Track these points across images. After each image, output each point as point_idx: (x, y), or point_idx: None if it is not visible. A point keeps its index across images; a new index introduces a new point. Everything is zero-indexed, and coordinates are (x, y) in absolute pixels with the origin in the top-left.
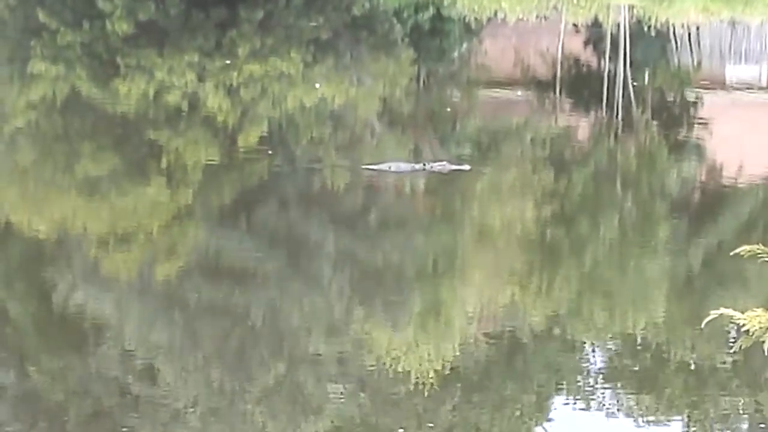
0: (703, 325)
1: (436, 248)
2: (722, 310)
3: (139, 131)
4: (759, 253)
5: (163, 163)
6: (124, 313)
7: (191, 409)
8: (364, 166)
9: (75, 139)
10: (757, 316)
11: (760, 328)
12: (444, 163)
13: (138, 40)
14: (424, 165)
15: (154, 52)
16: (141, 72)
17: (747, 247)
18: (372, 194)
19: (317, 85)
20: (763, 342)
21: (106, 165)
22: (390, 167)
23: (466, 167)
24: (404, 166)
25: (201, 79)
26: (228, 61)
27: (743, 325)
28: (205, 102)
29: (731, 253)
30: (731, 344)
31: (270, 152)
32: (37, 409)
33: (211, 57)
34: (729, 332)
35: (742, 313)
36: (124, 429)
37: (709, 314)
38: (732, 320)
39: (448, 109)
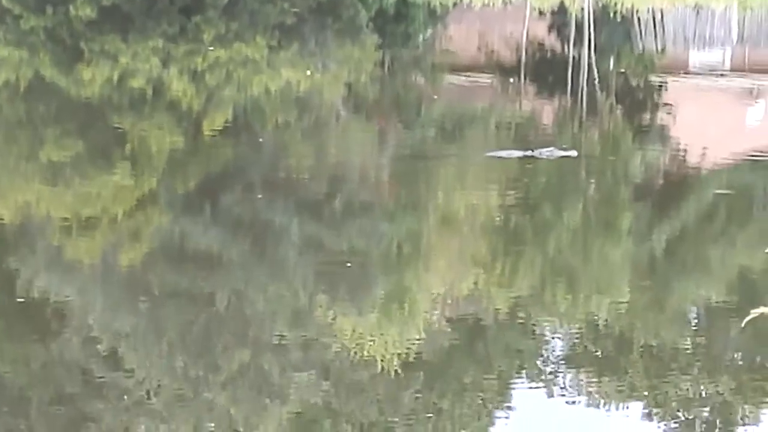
0: (743, 325)
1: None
2: (762, 309)
3: (103, 116)
4: None
5: (129, 149)
6: (87, 299)
7: (155, 396)
8: (488, 154)
9: (39, 124)
10: None
11: None
12: (551, 149)
13: (102, 26)
14: (533, 151)
15: (118, 37)
16: (105, 57)
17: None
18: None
19: (308, 72)
20: None
21: (70, 150)
22: (504, 154)
23: (574, 153)
24: (516, 153)
25: (165, 64)
26: (211, 48)
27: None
28: (170, 87)
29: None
30: (693, 328)
31: (261, 140)
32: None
33: (176, 42)
34: (691, 316)
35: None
36: (88, 415)
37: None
38: (701, 305)
39: (435, 97)
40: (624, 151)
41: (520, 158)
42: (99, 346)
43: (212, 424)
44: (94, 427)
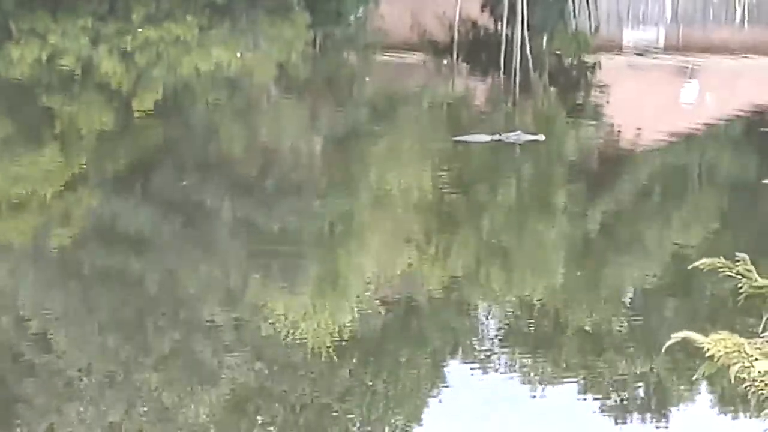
0: (663, 350)
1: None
2: (684, 333)
3: (32, 96)
4: (719, 267)
5: (58, 129)
6: (18, 280)
7: (86, 377)
8: (455, 138)
9: None
10: (722, 339)
11: (726, 353)
12: (518, 133)
13: (31, 4)
14: (500, 135)
15: (48, 16)
16: (34, 36)
17: (707, 261)
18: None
19: (238, 54)
20: (728, 367)
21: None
22: (471, 139)
23: (541, 137)
24: (484, 138)
25: (95, 43)
26: (140, 29)
27: (707, 349)
28: (100, 67)
29: (690, 266)
30: (626, 308)
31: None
32: None
33: (105, 21)
34: (624, 297)
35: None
36: (19, 396)
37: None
38: (625, 284)
39: (367, 78)
40: (559, 130)
41: (486, 142)
42: (30, 328)
43: (144, 406)
44: (25, 408)
